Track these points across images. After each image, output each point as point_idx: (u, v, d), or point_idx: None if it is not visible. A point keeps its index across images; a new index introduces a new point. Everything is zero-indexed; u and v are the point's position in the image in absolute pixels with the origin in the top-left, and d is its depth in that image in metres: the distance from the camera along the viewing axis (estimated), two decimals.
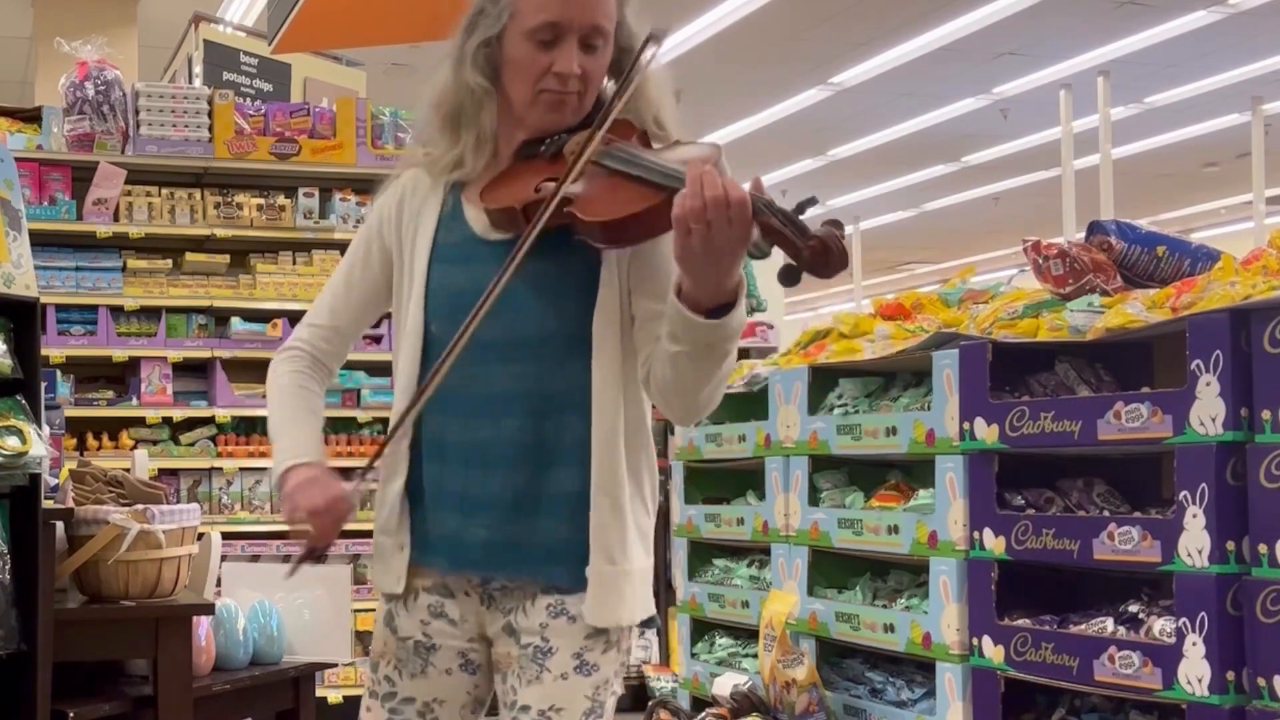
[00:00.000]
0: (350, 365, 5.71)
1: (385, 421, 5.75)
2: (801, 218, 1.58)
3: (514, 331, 1.84)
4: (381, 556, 1.98)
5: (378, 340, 5.72)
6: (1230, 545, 2.44)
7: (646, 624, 1.96)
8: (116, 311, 5.47)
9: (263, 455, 5.55)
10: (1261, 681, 2.36)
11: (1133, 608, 2.73)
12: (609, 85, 1.91)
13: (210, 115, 5.55)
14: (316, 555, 1.86)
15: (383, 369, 5.78)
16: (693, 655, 4.16)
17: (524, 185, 1.82)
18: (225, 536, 4.31)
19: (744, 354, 5.55)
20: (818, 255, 1.55)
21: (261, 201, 5.64)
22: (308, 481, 1.87)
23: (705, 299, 1.63)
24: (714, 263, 1.59)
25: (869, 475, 3.56)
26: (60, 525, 3.06)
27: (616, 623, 1.84)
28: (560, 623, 1.84)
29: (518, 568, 1.86)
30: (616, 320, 1.84)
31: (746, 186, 1.58)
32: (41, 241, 4.80)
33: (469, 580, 1.91)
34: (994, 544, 2.92)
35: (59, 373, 4.93)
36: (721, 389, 1.78)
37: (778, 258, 1.61)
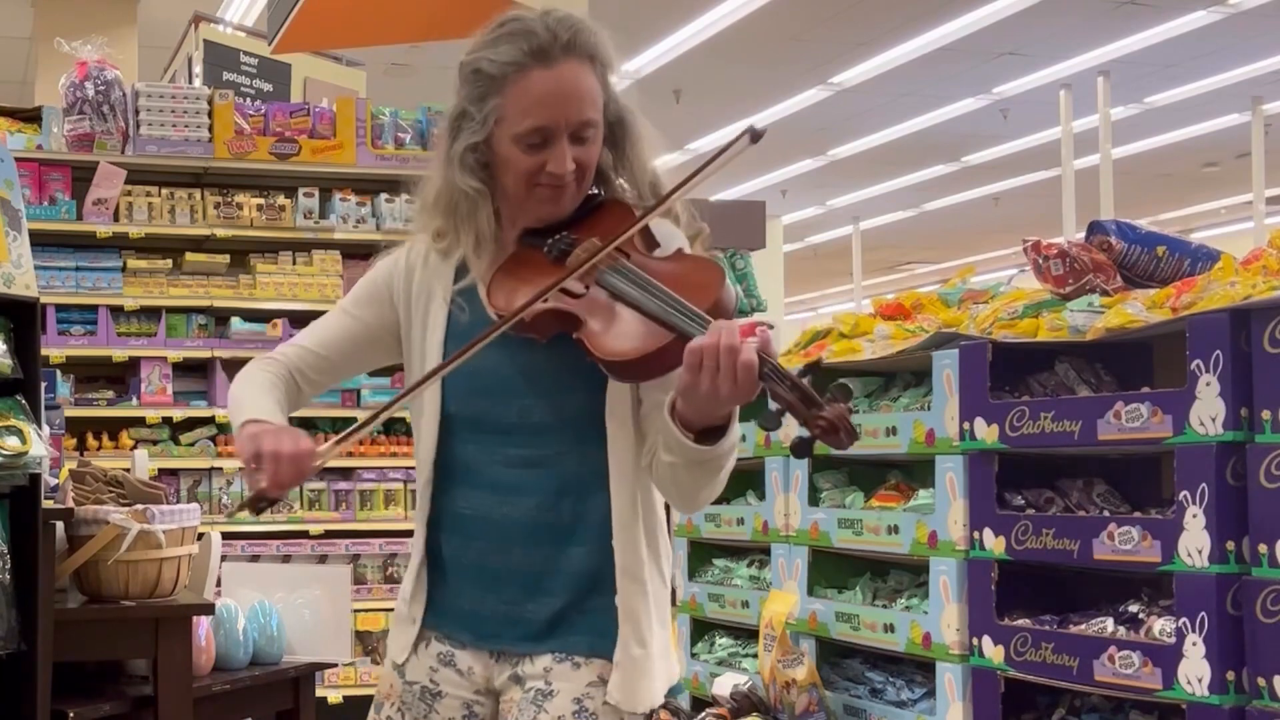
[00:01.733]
0: None
1: (385, 421, 5.74)
2: (807, 380, 1.60)
3: (529, 419, 1.86)
4: (397, 623, 2.00)
5: None
6: (1230, 545, 2.44)
7: (673, 692, 2.03)
8: (116, 311, 5.47)
9: None
10: (1261, 681, 2.36)
11: (1133, 608, 2.73)
12: (605, 156, 1.91)
13: (210, 115, 5.55)
14: (265, 503, 1.79)
15: (383, 369, 5.77)
16: (693, 655, 4.16)
17: (530, 292, 1.80)
18: (225, 536, 4.31)
19: None
20: (826, 433, 1.58)
21: (261, 201, 5.64)
22: (276, 429, 1.83)
23: (698, 424, 1.68)
24: (713, 405, 1.64)
25: (869, 475, 3.55)
26: (60, 525, 3.06)
27: (644, 707, 1.86)
28: (564, 668, 1.86)
29: (533, 642, 1.88)
30: (628, 406, 1.85)
31: (756, 344, 1.62)
32: (41, 241, 4.80)
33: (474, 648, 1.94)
34: (994, 544, 2.92)
35: (59, 373, 4.93)
36: (719, 488, 1.81)
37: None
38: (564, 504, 1.86)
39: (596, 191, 1.93)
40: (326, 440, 1.87)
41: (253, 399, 1.93)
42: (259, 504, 1.79)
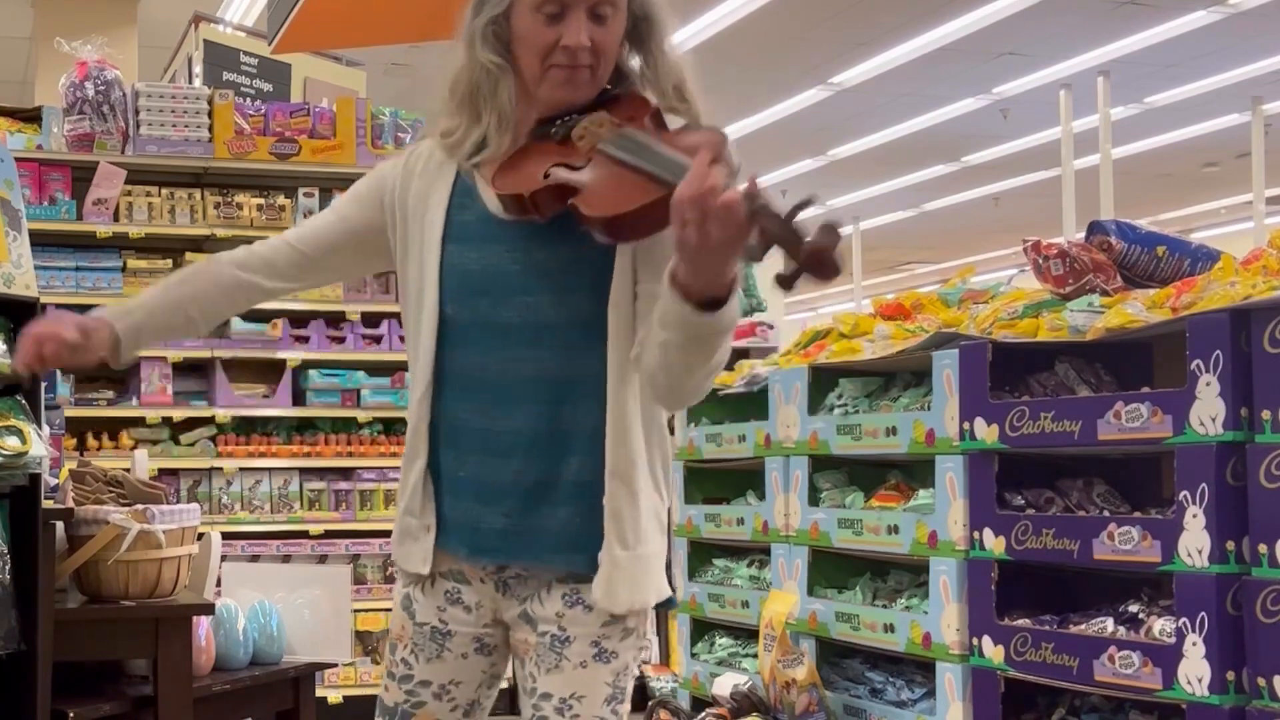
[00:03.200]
0: (350, 365, 5.71)
1: (385, 421, 5.75)
2: (799, 218, 1.55)
3: (531, 317, 1.82)
4: (409, 536, 1.97)
5: (378, 340, 5.72)
6: (1230, 545, 2.44)
7: (665, 605, 1.92)
8: None
9: (263, 455, 5.56)
10: (1261, 681, 2.36)
11: (1133, 608, 2.73)
12: (631, 57, 1.89)
13: (210, 115, 5.55)
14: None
15: (383, 369, 5.78)
16: (693, 655, 4.16)
17: (533, 171, 1.80)
18: (225, 536, 4.30)
19: (744, 354, 5.55)
20: (812, 261, 1.52)
21: (261, 201, 5.64)
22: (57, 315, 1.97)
23: (698, 290, 1.59)
24: (708, 256, 1.55)
25: (869, 475, 3.56)
26: (60, 525, 3.06)
27: (630, 608, 1.83)
28: (577, 611, 1.83)
29: (534, 556, 1.85)
30: (630, 306, 1.81)
31: (744, 186, 1.55)
32: (41, 241, 4.80)
33: (484, 567, 1.90)
34: (994, 544, 2.92)
35: (59, 372, 4.93)
36: (710, 380, 1.75)
37: (776, 261, 1.59)
38: (564, 410, 1.82)
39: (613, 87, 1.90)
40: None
41: (140, 295, 2.05)
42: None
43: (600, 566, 1.81)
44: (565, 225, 1.77)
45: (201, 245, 5.61)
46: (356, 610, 5.18)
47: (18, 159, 3.79)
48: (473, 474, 1.86)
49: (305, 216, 5.66)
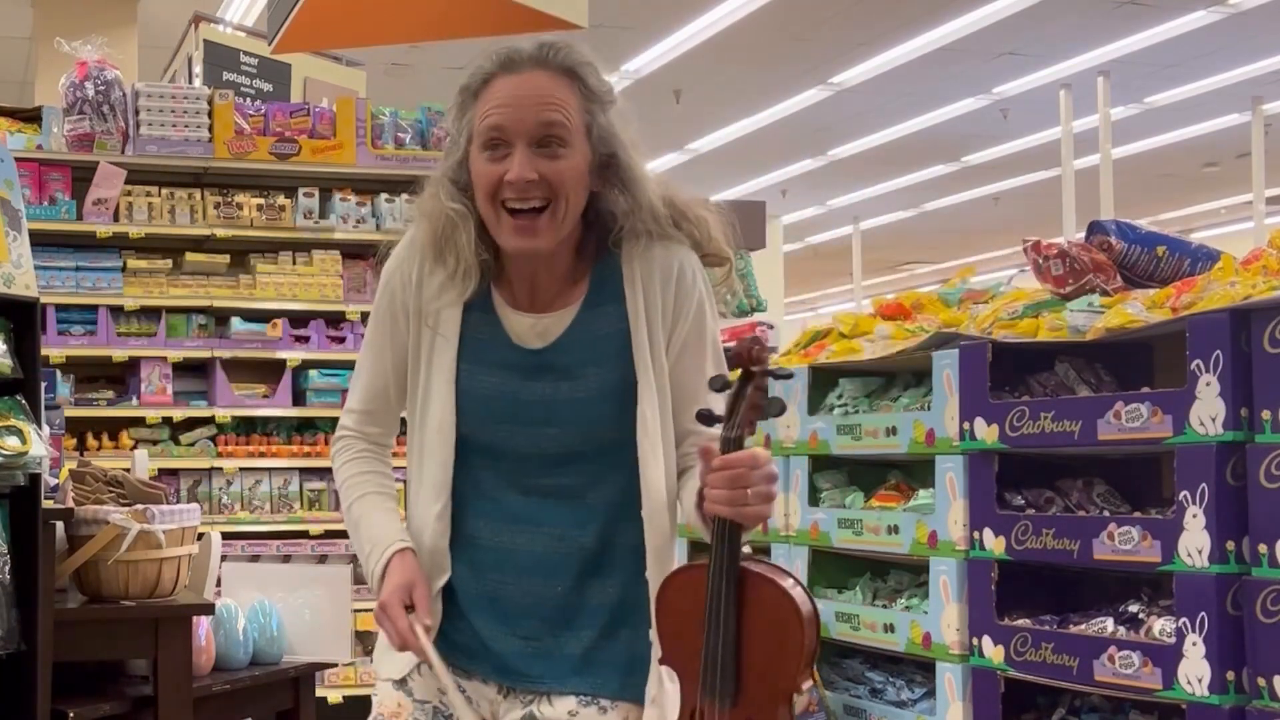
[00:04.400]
0: (350, 365, 5.66)
1: None
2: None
3: (554, 447, 1.81)
4: (385, 646, 1.88)
5: None
6: (1230, 545, 2.44)
7: None
8: (116, 311, 5.47)
9: (262, 455, 5.56)
10: (1261, 681, 2.36)
11: (1133, 608, 2.73)
12: (616, 197, 1.83)
13: (210, 115, 5.55)
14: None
15: None
16: None
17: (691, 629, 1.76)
18: (225, 536, 4.31)
19: None
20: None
21: (261, 201, 5.64)
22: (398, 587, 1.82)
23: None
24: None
25: (869, 475, 3.55)
26: (60, 525, 3.06)
27: None
28: (590, 712, 1.79)
29: (556, 679, 1.81)
30: (659, 429, 1.81)
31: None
32: (41, 241, 4.80)
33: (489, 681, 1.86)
34: (994, 544, 2.92)
35: (59, 373, 4.93)
36: None
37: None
38: (587, 534, 1.80)
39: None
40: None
41: (371, 521, 1.91)
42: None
43: (652, 705, 1.79)
44: (586, 356, 1.79)
45: (201, 245, 5.61)
46: (356, 610, 5.18)
47: (18, 159, 3.79)
48: (487, 591, 1.83)
49: (305, 217, 5.66)
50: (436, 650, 1.78)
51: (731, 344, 1.74)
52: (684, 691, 1.77)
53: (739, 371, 1.71)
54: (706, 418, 1.69)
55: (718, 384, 1.70)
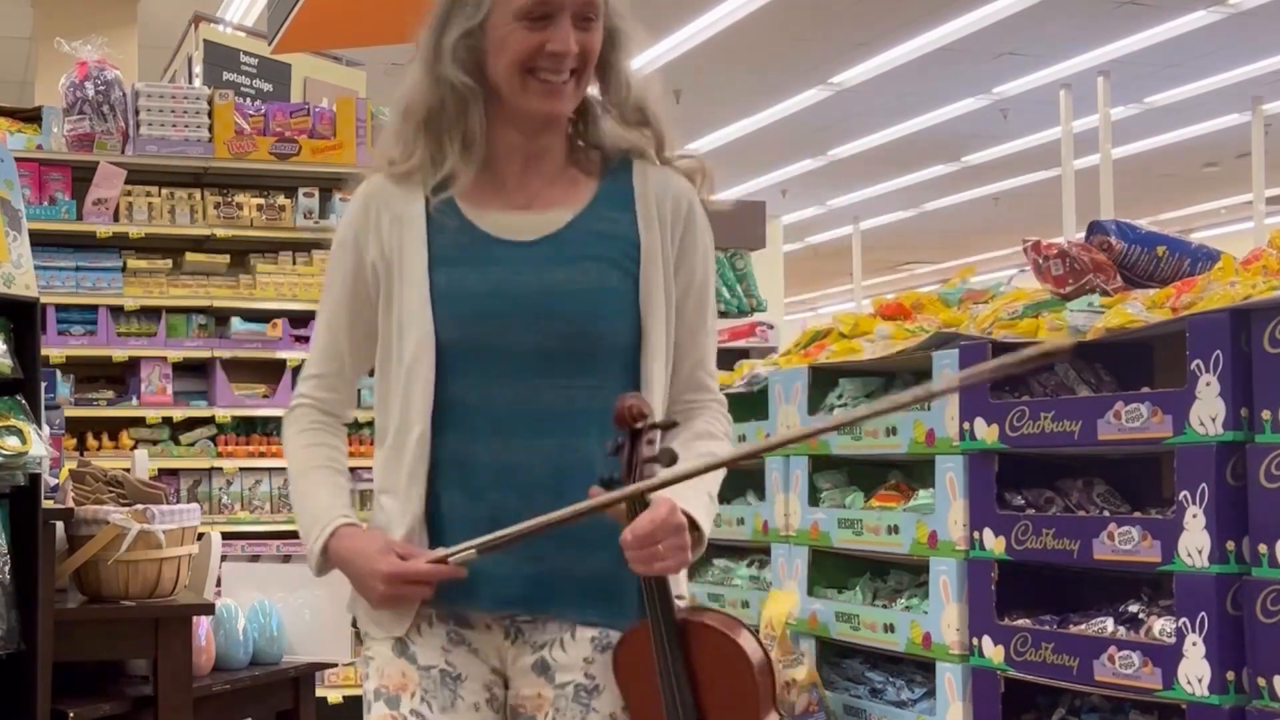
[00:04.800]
0: None
1: None
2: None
3: (550, 339, 1.69)
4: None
5: None
6: (1230, 545, 2.44)
7: None
8: (116, 311, 5.47)
9: (263, 455, 5.56)
10: (1261, 681, 2.36)
11: (1133, 608, 2.73)
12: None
13: (210, 115, 5.55)
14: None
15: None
16: None
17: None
18: (225, 536, 4.31)
19: (744, 354, 5.55)
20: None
21: (261, 201, 5.64)
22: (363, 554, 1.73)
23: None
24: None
25: (869, 475, 3.55)
26: (60, 525, 3.06)
27: None
28: (608, 658, 1.70)
29: (564, 606, 1.70)
30: (662, 349, 1.73)
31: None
32: (41, 241, 4.80)
33: (492, 613, 1.73)
34: (994, 544, 2.92)
35: (59, 373, 4.93)
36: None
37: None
38: (590, 445, 1.67)
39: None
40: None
41: (315, 496, 1.81)
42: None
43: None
44: (587, 250, 1.71)
45: (201, 245, 5.61)
46: None
47: (18, 159, 3.79)
48: (487, 515, 1.66)
49: (305, 217, 5.66)
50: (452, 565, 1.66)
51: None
52: None
53: (622, 429, 1.66)
54: (606, 483, 1.62)
55: (611, 448, 1.64)
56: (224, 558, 3.69)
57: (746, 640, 1.70)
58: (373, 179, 1.82)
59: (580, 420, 1.69)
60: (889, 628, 3.22)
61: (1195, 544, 2.48)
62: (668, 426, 1.68)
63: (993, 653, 2.90)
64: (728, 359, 4.57)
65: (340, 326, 1.82)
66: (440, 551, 1.66)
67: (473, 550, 1.63)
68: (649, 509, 1.60)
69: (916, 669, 3.33)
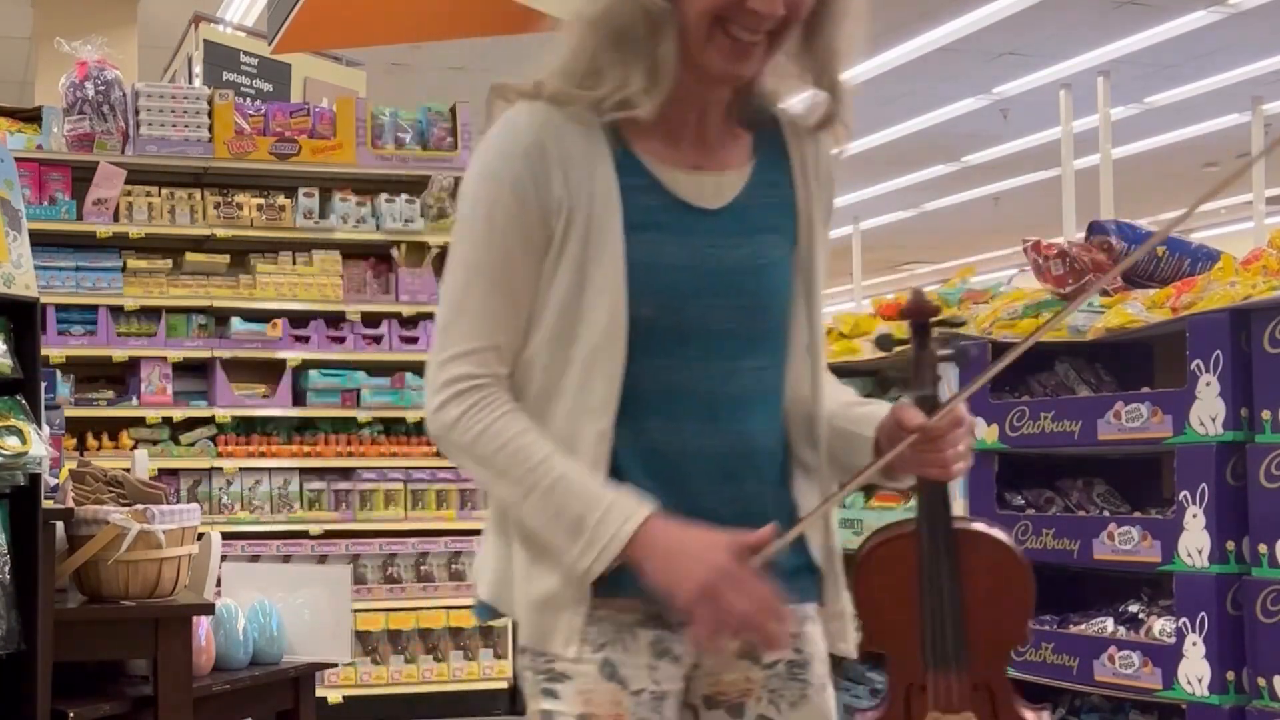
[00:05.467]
0: (350, 365, 5.71)
1: (385, 421, 5.74)
2: None
3: (743, 322, 1.53)
4: (546, 608, 1.49)
5: (378, 340, 5.72)
6: (1230, 545, 2.44)
7: None
8: (116, 311, 5.47)
9: (263, 455, 5.56)
10: (1261, 681, 2.36)
11: (1133, 608, 2.73)
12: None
13: (210, 115, 5.55)
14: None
15: (383, 369, 5.77)
16: None
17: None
18: (225, 536, 4.30)
19: None
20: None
21: (261, 201, 5.64)
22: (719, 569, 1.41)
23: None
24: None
25: None
26: (60, 525, 3.06)
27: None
28: (807, 628, 1.57)
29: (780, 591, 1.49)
30: (818, 306, 1.61)
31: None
32: (41, 241, 4.80)
33: None
34: None
35: (59, 373, 4.93)
36: None
37: None
38: (774, 433, 1.55)
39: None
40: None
41: (584, 482, 1.45)
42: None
43: (834, 612, 1.61)
44: (763, 221, 1.55)
45: (201, 245, 5.61)
46: (356, 610, 5.18)
47: (18, 159, 3.79)
48: (687, 506, 1.46)
49: (305, 217, 5.66)
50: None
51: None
52: (895, 668, 1.70)
53: (905, 327, 1.64)
54: (888, 382, 1.61)
55: (885, 343, 1.63)
56: (224, 558, 3.69)
57: (1020, 553, 1.67)
58: (534, 107, 1.50)
59: (754, 403, 1.54)
60: None
61: (1195, 544, 2.48)
62: (957, 324, 1.65)
63: None
64: None
65: (519, 284, 1.49)
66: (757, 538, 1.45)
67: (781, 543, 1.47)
68: (947, 406, 1.53)
69: None
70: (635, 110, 1.46)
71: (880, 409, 1.58)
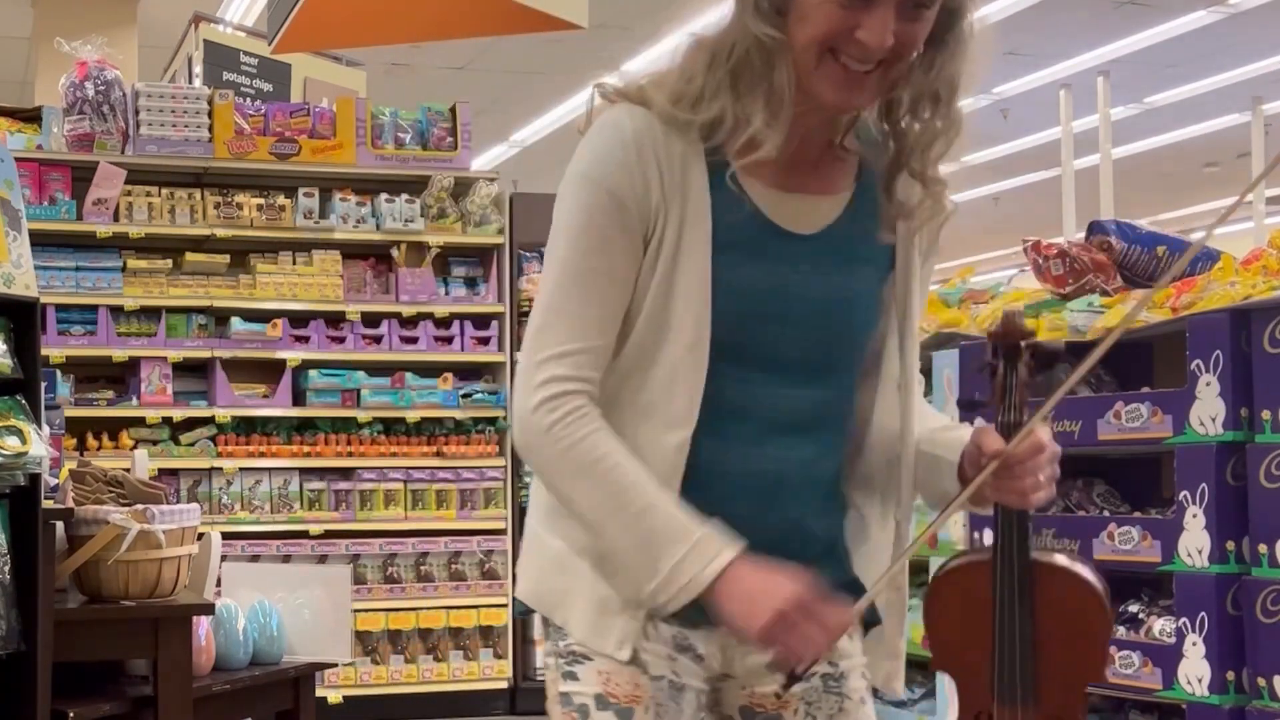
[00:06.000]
0: (350, 365, 5.71)
1: (385, 421, 5.74)
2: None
3: (818, 351, 1.52)
4: (601, 610, 1.50)
5: (378, 340, 5.72)
6: (1230, 545, 2.44)
7: None
8: (116, 311, 5.47)
9: (263, 455, 5.56)
10: (1261, 681, 2.36)
11: (1133, 608, 2.73)
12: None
13: (210, 115, 5.55)
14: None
15: (383, 369, 5.77)
16: None
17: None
18: (225, 536, 4.31)
19: None
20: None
21: (261, 201, 5.64)
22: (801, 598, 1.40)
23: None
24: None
25: None
26: (60, 525, 3.06)
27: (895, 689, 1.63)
28: (843, 642, 1.54)
29: None
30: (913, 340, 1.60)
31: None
32: (41, 241, 4.80)
33: None
34: None
35: (59, 373, 4.93)
36: None
37: None
38: (835, 460, 1.56)
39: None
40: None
41: (673, 513, 1.43)
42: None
43: (888, 644, 1.60)
44: (859, 252, 1.52)
45: (201, 245, 5.61)
46: (356, 610, 5.18)
47: (18, 159, 3.79)
48: (735, 523, 1.45)
49: (305, 217, 5.66)
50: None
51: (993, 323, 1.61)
52: (964, 694, 1.65)
53: (997, 349, 1.61)
54: (969, 404, 1.60)
55: (976, 365, 1.61)
56: (224, 558, 3.69)
57: (1099, 583, 1.62)
58: (635, 114, 1.47)
59: (811, 430, 1.53)
60: None
61: (1195, 544, 2.48)
62: (1053, 351, 1.60)
63: None
64: None
65: (614, 288, 1.47)
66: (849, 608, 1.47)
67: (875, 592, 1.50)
68: (1030, 433, 1.50)
69: (916, 669, 3.33)
70: (761, 151, 1.43)
71: (966, 433, 1.56)
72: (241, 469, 5.54)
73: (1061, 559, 1.66)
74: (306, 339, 5.64)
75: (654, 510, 1.43)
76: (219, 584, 3.63)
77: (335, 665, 4.86)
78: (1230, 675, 2.41)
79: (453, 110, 5.89)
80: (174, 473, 5.47)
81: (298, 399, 5.65)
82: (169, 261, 5.57)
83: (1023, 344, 1.60)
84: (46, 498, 2.98)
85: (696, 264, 1.46)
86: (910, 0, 1.38)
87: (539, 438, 1.46)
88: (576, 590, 1.51)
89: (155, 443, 5.45)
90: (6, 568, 2.80)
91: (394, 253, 5.80)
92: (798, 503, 1.52)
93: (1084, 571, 1.63)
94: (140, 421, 5.48)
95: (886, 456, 1.58)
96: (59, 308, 5.34)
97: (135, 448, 5.23)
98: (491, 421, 5.83)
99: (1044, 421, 1.53)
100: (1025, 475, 1.51)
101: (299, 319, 5.65)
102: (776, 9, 1.41)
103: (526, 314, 3.07)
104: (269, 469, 5.59)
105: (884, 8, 1.37)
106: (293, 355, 5.60)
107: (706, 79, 1.45)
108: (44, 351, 3.27)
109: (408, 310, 5.76)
